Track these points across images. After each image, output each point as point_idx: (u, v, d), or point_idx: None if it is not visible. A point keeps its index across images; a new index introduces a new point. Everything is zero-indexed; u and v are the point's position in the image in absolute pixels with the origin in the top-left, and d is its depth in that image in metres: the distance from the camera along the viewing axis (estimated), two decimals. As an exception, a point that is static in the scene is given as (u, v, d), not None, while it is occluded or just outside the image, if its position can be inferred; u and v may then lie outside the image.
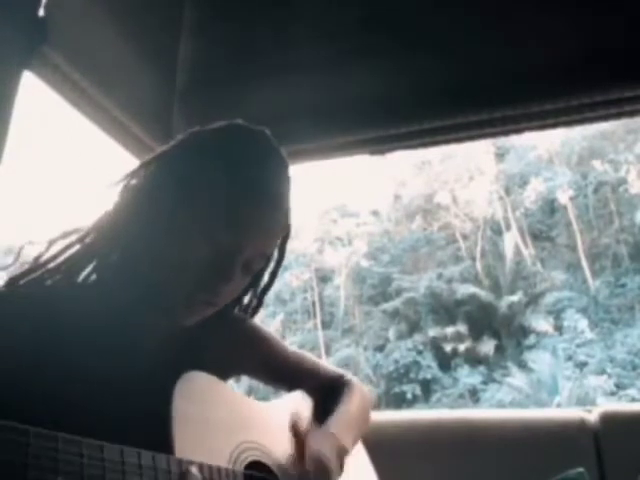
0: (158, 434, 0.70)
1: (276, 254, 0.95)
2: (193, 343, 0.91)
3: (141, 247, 0.82)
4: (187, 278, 0.77)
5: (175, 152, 0.85)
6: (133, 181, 0.87)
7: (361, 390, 1.10)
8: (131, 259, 0.83)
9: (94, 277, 0.86)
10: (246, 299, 1.01)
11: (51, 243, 0.85)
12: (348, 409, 1.02)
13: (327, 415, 0.98)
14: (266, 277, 0.99)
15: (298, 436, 0.91)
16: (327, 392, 1.05)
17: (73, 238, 0.86)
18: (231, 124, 0.87)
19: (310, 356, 1.12)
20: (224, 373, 0.91)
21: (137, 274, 0.83)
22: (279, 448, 0.89)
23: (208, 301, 0.80)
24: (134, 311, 0.83)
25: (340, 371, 1.13)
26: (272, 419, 0.93)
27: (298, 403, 1.02)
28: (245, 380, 1.10)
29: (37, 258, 0.84)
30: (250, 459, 0.82)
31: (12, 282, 0.82)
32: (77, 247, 0.85)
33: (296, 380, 1.05)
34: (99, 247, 0.85)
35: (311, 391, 1.05)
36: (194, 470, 0.66)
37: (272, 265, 0.97)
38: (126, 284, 0.83)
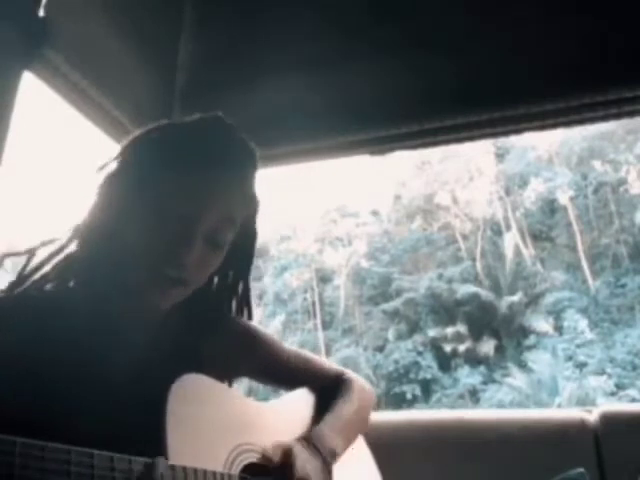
0: (152, 438, 0.69)
1: (249, 231, 0.95)
2: (191, 345, 0.90)
3: (112, 241, 0.83)
4: (152, 255, 0.78)
5: (129, 148, 0.88)
6: (102, 180, 0.88)
7: (361, 387, 1.10)
8: (106, 256, 0.84)
9: (78, 282, 0.87)
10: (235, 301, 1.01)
11: (32, 252, 0.86)
12: (344, 409, 1.02)
13: (318, 418, 0.98)
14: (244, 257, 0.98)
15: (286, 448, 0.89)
16: (325, 393, 1.05)
17: (54, 247, 0.87)
18: (188, 117, 0.90)
19: (310, 355, 1.11)
20: (223, 375, 0.91)
21: (110, 267, 0.83)
22: None
23: (176, 277, 0.79)
24: (115, 306, 0.84)
25: (340, 369, 1.12)
26: (271, 420, 0.93)
27: (297, 403, 1.02)
28: (245, 380, 1.09)
29: (22, 269, 0.85)
30: (247, 461, 0.81)
31: (5, 291, 0.83)
32: (61, 255, 0.86)
33: (296, 380, 1.05)
34: (80, 255, 0.86)
35: (312, 390, 1.05)
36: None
37: (246, 243, 0.96)
38: (101, 280, 0.84)
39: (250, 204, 0.92)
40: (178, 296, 0.83)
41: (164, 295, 0.81)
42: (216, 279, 0.97)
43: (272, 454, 0.84)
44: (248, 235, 0.95)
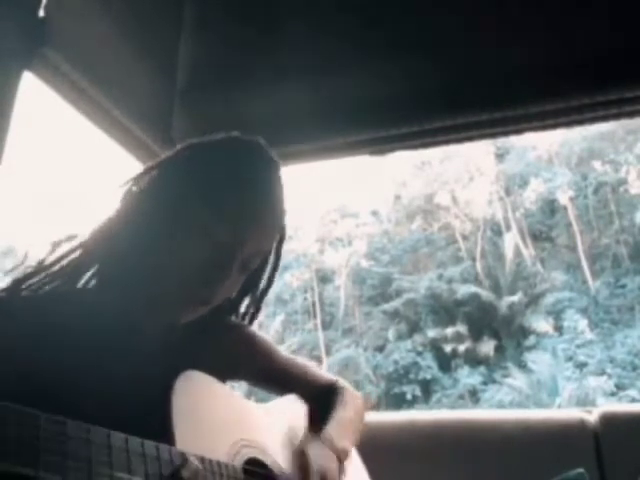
0: (159, 431, 0.70)
1: (273, 257, 0.98)
2: (192, 347, 0.91)
3: (142, 251, 0.83)
4: (188, 276, 0.79)
5: (176, 160, 0.89)
6: (135, 187, 0.89)
7: (354, 395, 1.12)
8: (132, 263, 0.84)
9: (95, 282, 0.87)
10: (243, 306, 1.03)
11: (55, 246, 0.86)
12: (344, 413, 1.03)
13: (321, 420, 0.99)
14: (264, 281, 1.01)
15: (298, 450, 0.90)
16: (321, 398, 1.07)
17: (76, 242, 0.87)
18: (229, 135, 0.91)
19: (305, 362, 1.13)
20: (221, 377, 0.92)
21: (138, 276, 0.83)
22: (275, 447, 0.90)
23: (204, 299, 0.82)
24: (134, 312, 0.84)
25: (333, 377, 1.15)
26: (268, 419, 0.95)
27: (293, 405, 1.03)
28: (244, 382, 1.10)
29: (40, 261, 0.85)
30: (248, 456, 0.83)
31: (14, 285, 0.83)
32: (79, 252, 0.86)
33: (291, 385, 1.06)
34: (101, 252, 0.87)
35: (306, 396, 1.06)
36: (192, 459, 0.67)
37: (269, 269, 0.99)
38: (127, 287, 0.84)
39: (280, 235, 0.96)
40: (198, 314, 0.85)
41: (187, 312, 0.83)
42: None
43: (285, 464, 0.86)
44: (269, 262, 0.98)
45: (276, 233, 0.92)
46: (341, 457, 0.92)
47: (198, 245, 0.80)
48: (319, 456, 0.87)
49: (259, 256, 0.87)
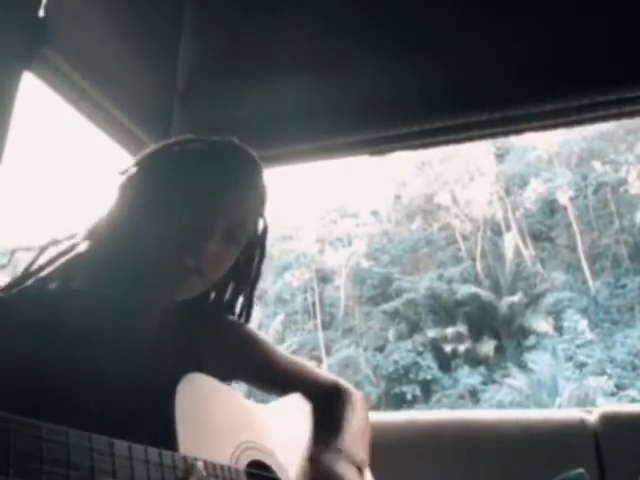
0: (162, 434, 0.70)
1: (259, 248, 1.01)
2: (192, 346, 0.92)
3: (132, 240, 0.85)
4: (172, 243, 0.82)
5: (157, 155, 0.92)
6: (122, 184, 0.90)
7: (359, 398, 1.10)
8: (124, 256, 0.85)
9: (89, 282, 0.87)
10: (238, 306, 1.03)
11: (42, 250, 0.87)
12: (356, 422, 1.01)
13: (332, 427, 0.97)
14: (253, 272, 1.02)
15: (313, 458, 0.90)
16: (325, 400, 1.05)
17: (65, 245, 0.87)
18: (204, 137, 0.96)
19: (305, 362, 1.12)
20: (221, 376, 0.92)
21: (130, 267, 0.85)
22: (278, 449, 0.90)
23: (195, 267, 0.82)
24: (133, 309, 0.85)
25: (335, 378, 1.13)
26: (271, 421, 0.94)
27: (296, 405, 1.03)
28: (243, 382, 1.10)
29: (29, 266, 0.85)
30: (251, 458, 0.83)
31: (4, 289, 0.83)
32: (70, 255, 0.87)
33: (291, 386, 1.05)
34: (92, 255, 0.87)
35: (308, 396, 1.05)
36: (199, 465, 0.67)
37: (256, 260, 1.01)
38: (121, 281, 0.85)
39: (260, 221, 0.97)
40: (194, 287, 0.86)
41: (181, 283, 0.84)
42: (213, 294, 1.00)
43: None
44: (255, 254, 1.00)
45: (256, 212, 0.94)
46: (361, 468, 0.91)
47: (183, 216, 0.83)
48: (338, 467, 0.86)
49: (243, 230, 0.88)
